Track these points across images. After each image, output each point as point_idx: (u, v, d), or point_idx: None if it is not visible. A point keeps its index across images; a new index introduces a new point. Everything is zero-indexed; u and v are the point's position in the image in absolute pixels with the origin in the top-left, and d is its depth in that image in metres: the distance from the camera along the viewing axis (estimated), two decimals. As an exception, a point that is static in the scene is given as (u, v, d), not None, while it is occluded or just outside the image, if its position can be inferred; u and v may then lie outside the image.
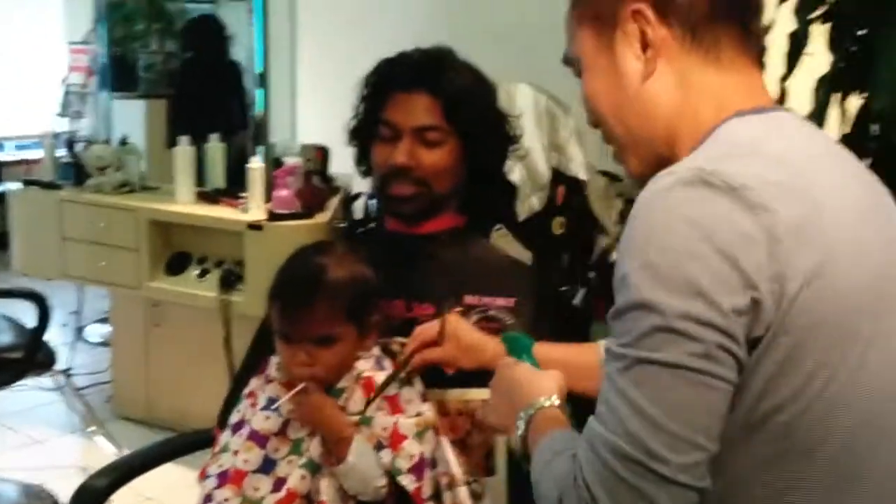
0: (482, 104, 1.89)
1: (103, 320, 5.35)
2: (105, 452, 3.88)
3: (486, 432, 1.49)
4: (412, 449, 1.64)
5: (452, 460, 1.70)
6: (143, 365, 4.26)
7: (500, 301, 1.84)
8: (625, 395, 1.00)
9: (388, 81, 1.88)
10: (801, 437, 1.05)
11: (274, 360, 1.75)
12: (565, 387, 1.35)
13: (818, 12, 2.39)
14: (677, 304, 0.99)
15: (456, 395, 1.77)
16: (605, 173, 3.78)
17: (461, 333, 1.70)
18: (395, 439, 1.64)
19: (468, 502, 1.68)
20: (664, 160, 1.16)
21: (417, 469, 1.64)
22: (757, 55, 1.21)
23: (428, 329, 1.71)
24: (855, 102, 2.37)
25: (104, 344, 5.05)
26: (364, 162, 1.95)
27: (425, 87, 1.83)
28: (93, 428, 4.07)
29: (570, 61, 1.29)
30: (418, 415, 1.68)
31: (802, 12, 2.37)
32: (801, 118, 1.24)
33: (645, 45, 1.18)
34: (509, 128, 1.94)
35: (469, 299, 1.82)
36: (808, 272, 1.02)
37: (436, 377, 1.75)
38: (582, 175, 3.34)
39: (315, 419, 1.65)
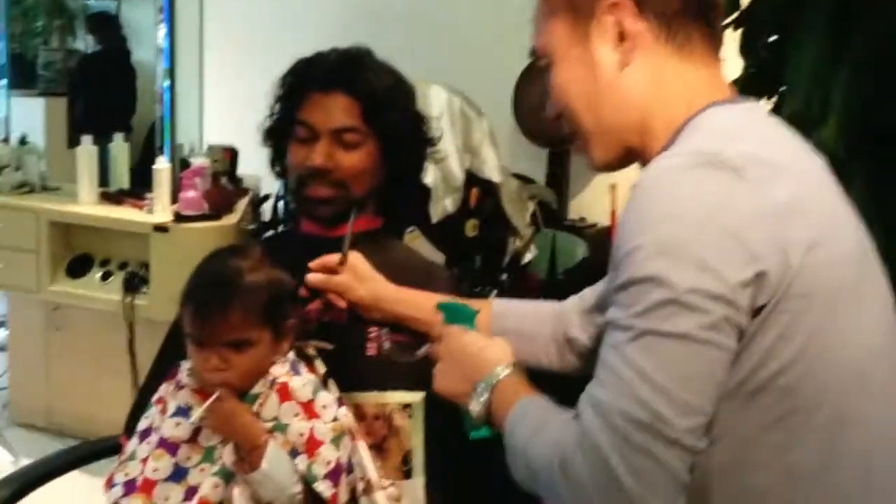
0: (401, 106, 1.86)
1: None
2: (1, 461, 3.76)
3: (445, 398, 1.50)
4: (328, 455, 1.60)
5: (369, 465, 1.68)
6: (43, 370, 4.14)
7: None
8: (633, 364, 1.06)
9: (305, 81, 1.84)
10: (802, 398, 1.10)
11: (185, 366, 1.70)
12: (513, 353, 1.41)
13: (730, 18, 2.43)
14: (686, 278, 1.04)
15: (372, 398, 1.74)
16: (517, 176, 3.80)
17: (359, 266, 1.74)
18: (311, 445, 1.60)
19: None
20: (632, 150, 1.27)
21: (334, 475, 1.60)
22: (718, 52, 1.28)
23: (329, 257, 1.74)
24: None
25: (0, 349, 4.90)
26: (279, 162, 1.91)
27: (343, 88, 1.80)
28: (-12, 436, 3.94)
29: (536, 53, 1.34)
30: (335, 420, 1.64)
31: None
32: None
33: (621, 37, 1.24)
34: (427, 130, 1.92)
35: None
36: (807, 243, 1.09)
37: (352, 382, 1.72)
38: (495, 178, 3.34)
39: (228, 427, 1.60)
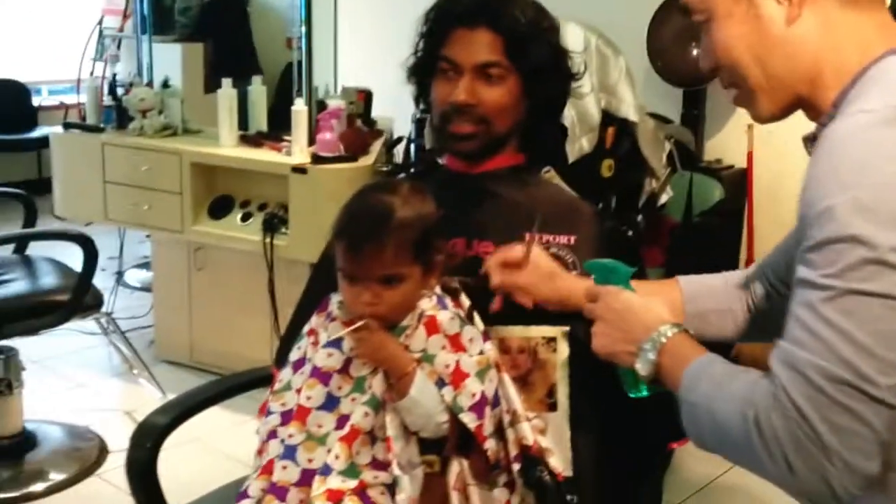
0: (544, 41, 1.85)
1: (143, 265, 5.38)
2: (149, 396, 3.91)
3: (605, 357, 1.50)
4: (474, 387, 1.63)
5: (514, 397, 1.69)
6: (186, 309, 4.28)
7: (561, 238, 1.81)
8: (832, 324, 1.06)
9: (449, 17, 1.84)
10: None
11: (335, 298, 1.73)
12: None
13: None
14: (888, 237, 1.04)
15: (517, 332, 1.75)
16: (653, 116, 3.74)
17: (541, 261, 1.71)
18: (457, 377, 1.63)
19: (531, 437, 1.67)
20: (802, 101, 1.27)
21: (478, 407, 1.63)
22: None
23: (509, 252, 1.71)
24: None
25: (144, 289, 5.08)
26: (423, 100, 1.92)
27: (486, 23, 1.79)
28: (136, 371, 4.09)
29: (688, 10, 1.34)
30: (480, 353, 1.66)
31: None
32: None
33: None
34: (570, 65, 1.90)
35: (530, 236, 1.80)
36: None
37: (497, 315, 1.73)
38: (632, 117, 3.29)
39: (378, 356, 1.63)
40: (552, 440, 1.73)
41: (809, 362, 1.06)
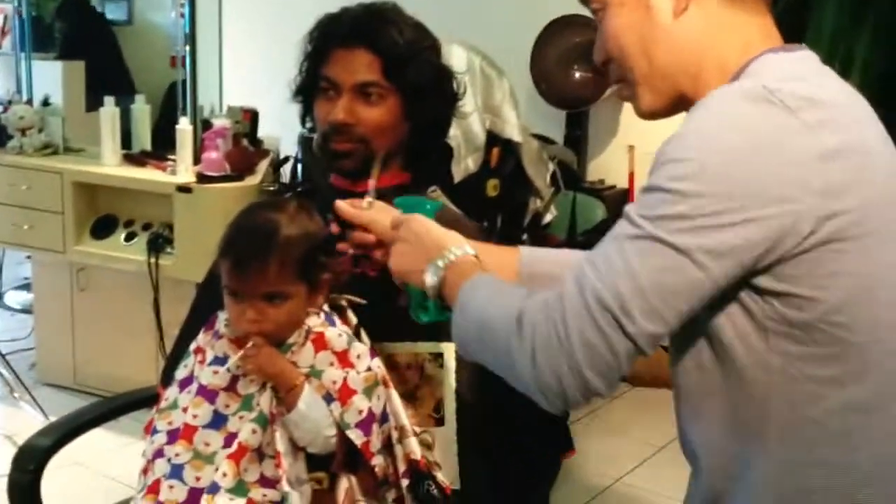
0: (424, 61, 1.87)
1: (23, 286, 5.25)
2: (31, 419, 3.82)
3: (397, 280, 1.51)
4: (360, 404, 1.64)
5: (402, 412, 1.71)
6: (69, 330, 4.19)
7: None
8: (626, 259, 1.11)
9: (330, 38, 1.85)
10: (855, 334, 1.15)
11: (222, 316, 1.73)
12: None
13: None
14: (710, 201, 1.09)
15: (406, 348, 1.77)
16: (538, 136, 3.82)
17: (385, 205, 1.67)
18: (344, 394, 1.64)
19: (419, 452, 1.69)
20: (684, 97, 1.28)
21: (365, 424, 1.64)
22: (769, 2, 1.30)
23: (357, 200, 1.68)
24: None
25: (25, 311, 4.95)
26: (309, 118, 1.94)
27: (364, 43, 1.81)
28: (17, 394, 3.99)
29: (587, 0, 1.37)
30: (368, 370, 1.68)
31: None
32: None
33: None
34: (451, 84, 1.93)
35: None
36: (853, 186, 1.13)
37: (385, 332, 1.75)
38: (516, 137, 3.36)
39: (266, 371, 1.64)
40: (440, 454, 1.75)
41: (591, 284, 1.11)
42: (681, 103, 1.29)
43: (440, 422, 1.76)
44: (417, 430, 1.73)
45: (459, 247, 1.38)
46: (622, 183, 4.50)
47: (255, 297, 1.63)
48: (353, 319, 1.76)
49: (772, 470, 1.19)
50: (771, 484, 1.19)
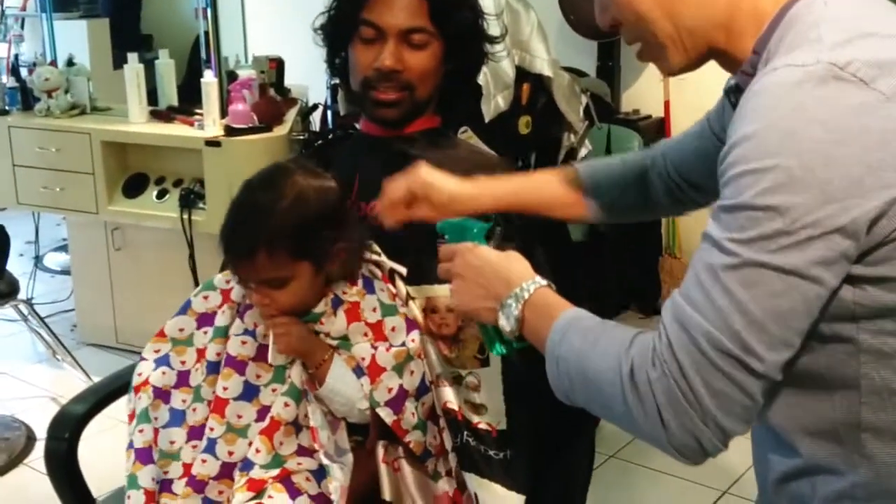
0: (466, 5, 1.83)
1: (61, 248, 5.27)
2: (74, 380, 3.84)
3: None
4: (390, 382, 1.61)
5: (436, 362, 1.68)
6: (107, 290, 4.20)
7: None
8: (730, 293, 1.02)
9: None
10: None
11: None
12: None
13: None
14: (806, 210, 0.99)
15: (445, 290, 1.72)
16: (568, 69, 3.74)
17: (438, 187, 1.58)
18: (374, 370, 1.61)
19: (455, 402, 1.65)
20: (717, 52, 1.18)
21: (395, 402, 1.61)
22: None
23: (393, 193, 1.59)
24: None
25: (64, 272, 4.98)
26: (337, 63, 1.88)
27: None
28: (60, 357, 4.01)
29: None
30: (402, 345, 1.64)
31: None
32: None
33: None
34: (488, 27, 1.88)
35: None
36: None
37: (426, 274, 1.71)
38: (546, 72, 3.29)
39: (297, 349, 1.61)
40: (485, 395, 1.71)
41: (701, 327, 1.03)
42: (710, 56, 1.20)
43: (485, 362, 1.72)
44: (463, 372, 1.69)
45: (530, 280, 1.28)
46: (657, 112, 4.42)
47: (255, 283, 1.61)
48: (403, 289, 1.71)
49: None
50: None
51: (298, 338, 1.60)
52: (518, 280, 1.28)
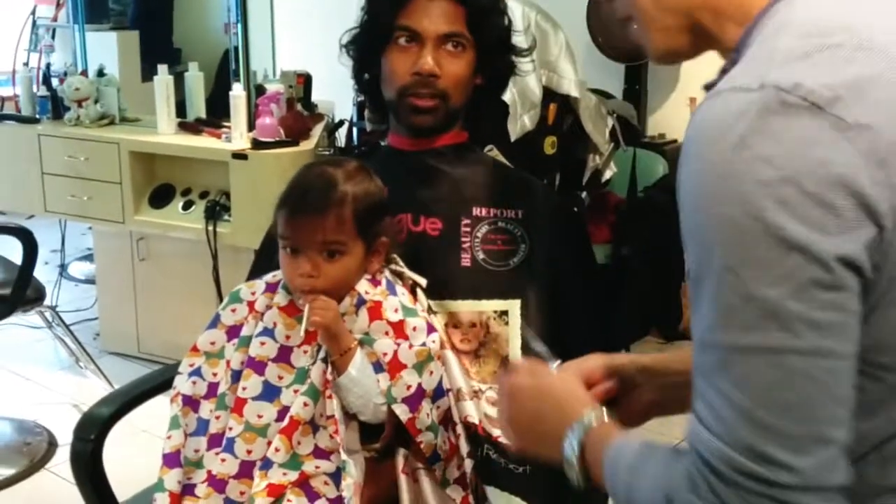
0: (500, 14, 1.84)
1: (86, 257, 5.31)
2: (96, 388, 3.85)
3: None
4: (409, 379, 1.62)
5: (459, 375, 1.69)
6: (131, 299, 4.22)
7: (509, 213, 1.81)
8: (724, 396, 0.85)
9: None
10: None
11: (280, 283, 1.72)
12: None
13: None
14: (767, 266, 0.82)
15: (469, 305, 1.75)
16: (596, 91, 3.75)
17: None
18: (394, 366, 1.62)
19: (475, 416, 1.67)
20: (706, 34, 1.03)
21: (412, 400, 1.62)
22: None
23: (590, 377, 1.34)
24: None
25: (88, 281, 5.00)
26: (365, 71, 1.89)
27: None
28: (83, 364, 4.03)
29: None
30: (423, 345, 1.65)
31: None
32: None
33: None
34: (519, 40, 1.90)
35: (477, 211, 1.79)
36: None
37: (448, 290, 1.72)
38: (574, 93, 3.30)
39: (331, 327, 1.60)
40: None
41: (712, 447, 0.86)
42: (705, 41, 1.04)
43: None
44: (484, 387, 1.70)
45: (588, 408, 1.15)
46: (683, 137, 4.42)
47: (312, 248, 1.61)
48: (423, 299, 1.73)
49: None
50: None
51: (334, 317, 1.61)
52: (575, 417, 1.14)
